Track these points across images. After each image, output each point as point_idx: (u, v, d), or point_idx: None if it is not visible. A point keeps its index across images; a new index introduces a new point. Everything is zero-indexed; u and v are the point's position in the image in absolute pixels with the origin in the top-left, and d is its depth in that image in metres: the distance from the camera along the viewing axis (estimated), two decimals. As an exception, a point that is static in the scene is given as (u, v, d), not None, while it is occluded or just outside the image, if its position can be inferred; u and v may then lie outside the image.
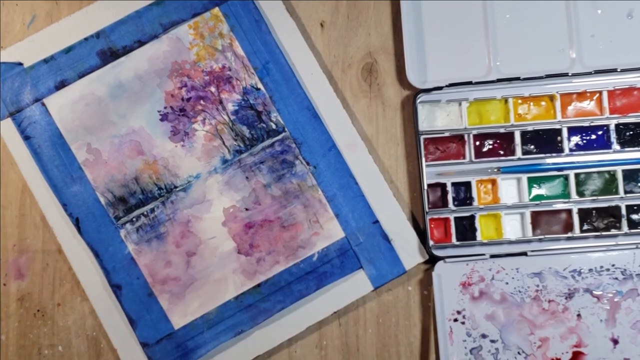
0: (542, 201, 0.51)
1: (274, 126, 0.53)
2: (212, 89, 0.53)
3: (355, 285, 0.52)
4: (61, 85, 0.53)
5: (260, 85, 0.53)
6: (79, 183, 0.52)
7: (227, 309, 0.52)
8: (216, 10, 0.53)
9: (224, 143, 0.53)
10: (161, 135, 0.53)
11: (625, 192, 0.51)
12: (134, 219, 0.52)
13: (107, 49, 0.53)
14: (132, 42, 0.53)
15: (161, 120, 0.53)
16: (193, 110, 0.53)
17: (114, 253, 0.52)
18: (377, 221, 0.52)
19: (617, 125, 0.51)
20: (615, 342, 0.50)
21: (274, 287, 0.52)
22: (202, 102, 0.53)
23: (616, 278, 0.50)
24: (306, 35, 0.54)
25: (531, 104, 0.52)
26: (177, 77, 0.53)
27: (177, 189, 0.53)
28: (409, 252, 0.52)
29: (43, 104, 0.53)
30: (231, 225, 0.52)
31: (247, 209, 0.52)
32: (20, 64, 0.53)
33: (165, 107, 0.53)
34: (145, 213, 0.52)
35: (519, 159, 0.52)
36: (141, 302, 0.52)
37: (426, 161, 0.52)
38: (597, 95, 0.52)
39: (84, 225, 0.52)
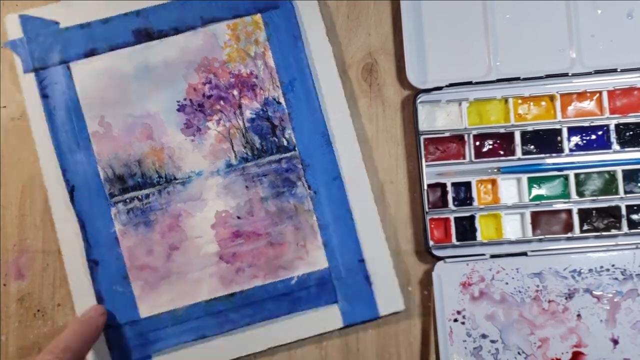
0: (542, 201, 0.51)
1: (285, 143, 0.52)
2: (235, 92, 0.53)
3: (325, 318, 0.51)
4: (90, 53, 0.53)
5: (282, 100, 0.53)
6: (84, 152, 0.52)
7: (196, 310, 0.51)
8: (258, 16, 0.53)
9: (232, 147, 0.53)
10: (174, 125, 0.53)
11: (625, 192, 0.51)
12: (128, 200, 0.52)
13: (143, 29, 0.53)
14: (169, 28, 0.53)
15: (178, 110, 0.53)
16: (211, 109, 0.53)
17: (100, 228, 0.52)
18: (363, 260, 0.51)
19: (617, 126, 0.51)
20: (615, 342, 0.50)
21: (246, 300, 0.51)
22: (221, 102, 0.53)
23: (616, 278, 0.50)
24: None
25: (531, 104, 0.52)
26: (204, 73, 0.53)
27: (176, 181, 0.53)
28: (388, 299, 0.51)
29: (68, 68, 0.53)
30: (219, 230, 0.52)
31: (239, 217, 0.52)
32: (57, 23, 0.53)
33: (184, 99, 0.53)
34: (139, 197, 0.52)
35: (519, 159, 0.52)
36: (114, 283, 0.51)
37: (426, 161, 0.52)
38: (597, 95, 0.52)
39: (78, 195, 0.52)
